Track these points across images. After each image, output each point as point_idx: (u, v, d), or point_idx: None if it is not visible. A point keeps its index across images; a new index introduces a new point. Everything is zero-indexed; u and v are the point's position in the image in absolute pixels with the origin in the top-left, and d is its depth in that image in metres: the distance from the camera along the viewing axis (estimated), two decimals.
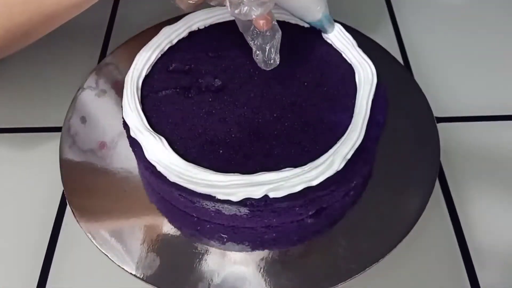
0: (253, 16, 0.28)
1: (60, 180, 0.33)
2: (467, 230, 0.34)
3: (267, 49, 0.31)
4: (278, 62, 0.32)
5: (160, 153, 0.29)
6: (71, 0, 0.29)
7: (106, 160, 0.34)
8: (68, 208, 0.35)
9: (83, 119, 0.37)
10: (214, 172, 0.28)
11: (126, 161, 0.34)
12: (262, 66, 0.32)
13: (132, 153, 0.31)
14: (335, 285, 0.29)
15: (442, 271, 0.33)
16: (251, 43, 0.31)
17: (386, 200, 0.33)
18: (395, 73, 0.40)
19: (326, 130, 0.31)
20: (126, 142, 0.32)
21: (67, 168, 0.34)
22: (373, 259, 0.30)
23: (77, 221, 0.31)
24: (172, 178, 0.28)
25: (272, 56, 0.32)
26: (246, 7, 0.28)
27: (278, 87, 0.33)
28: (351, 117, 0.31)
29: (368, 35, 0.42)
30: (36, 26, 0.31)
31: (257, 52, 0.32)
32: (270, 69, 0.32)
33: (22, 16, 0.30)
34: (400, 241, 0.30)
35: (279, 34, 0.31)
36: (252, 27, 0.31)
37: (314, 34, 0.36)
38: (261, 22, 0.30)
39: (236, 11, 0.28)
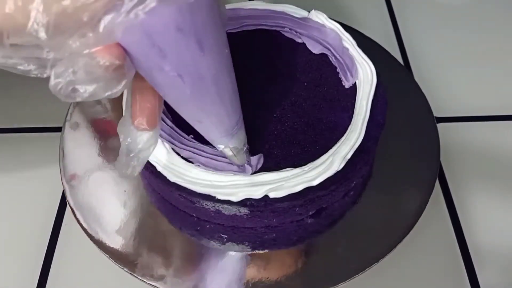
0: (77, 98, 0.17)
1: (60, 180, 0.33)
2: (467, 230, 0.34)
3: (131, 155, 0.23)
4: (135, 175, 0.24)
5: (160, 153, 0.29)
6: None
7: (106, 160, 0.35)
8: (68, 208, 0.35)
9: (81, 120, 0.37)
10: (214, 172, 0.28)
11: None
12: (118, 170, 0.24)
13: None
14: (335, 285, 0.29)
15: (442, 271, 0.33)
16: (121, 138, 0.23)
17: (386, 200, 0.33)
18: (395, 73, 0.40)
19: (326, 130, 0.31)
20: None
21: (67, 168, 0.34)
22: (373, 259, 0.30)
23: (77, 221, 0.31)
24: (172, 178, 0.28)
25: (133, 164, 0.23)
26: (69, 76, 0.16)
27: (278, 87, 0.33)
28: (351, 117, 0.31)
29: (368, 35, 0.42)
30: None
31: (120, 154, 0.23)
32: (123, 178, 0.28)
33: None
34: (400, 241, 0.30)
35: (154, 147, 0.23)
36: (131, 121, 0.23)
37: None
38: (138, 120, 0.22)
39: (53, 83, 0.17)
